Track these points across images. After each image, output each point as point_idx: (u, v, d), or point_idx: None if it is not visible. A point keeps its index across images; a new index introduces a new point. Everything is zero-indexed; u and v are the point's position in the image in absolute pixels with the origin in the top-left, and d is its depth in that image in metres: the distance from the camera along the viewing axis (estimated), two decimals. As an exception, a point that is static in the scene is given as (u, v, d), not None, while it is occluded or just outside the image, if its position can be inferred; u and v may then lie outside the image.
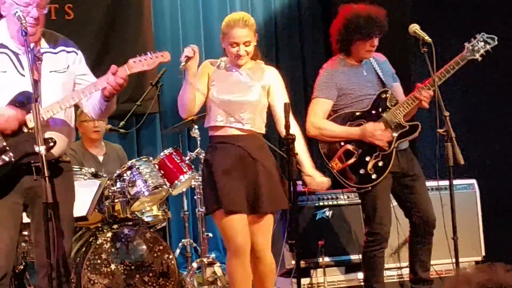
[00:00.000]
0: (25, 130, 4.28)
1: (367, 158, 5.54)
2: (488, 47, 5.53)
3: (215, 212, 4.99)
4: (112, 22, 8.26)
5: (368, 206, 5.63)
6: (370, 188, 5.58)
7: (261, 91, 5.07)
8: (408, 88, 5.81)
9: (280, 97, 5.10)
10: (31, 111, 4.22)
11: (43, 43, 4.46)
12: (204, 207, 5.23)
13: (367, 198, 5.62)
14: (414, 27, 5.33)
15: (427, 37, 5.20)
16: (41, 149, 3.98)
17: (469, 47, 5.50)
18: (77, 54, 4.58)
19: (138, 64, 4.42)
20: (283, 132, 4.85)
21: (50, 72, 4.38)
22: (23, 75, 4.33)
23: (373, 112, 5.58)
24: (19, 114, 4.27)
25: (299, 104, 8.29)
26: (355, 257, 6.70)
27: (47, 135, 4.23)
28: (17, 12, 4.21)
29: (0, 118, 4.26)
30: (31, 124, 4.25)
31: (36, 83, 4.22)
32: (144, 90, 7.41)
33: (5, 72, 4.33)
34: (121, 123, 7.05)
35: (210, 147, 5.12)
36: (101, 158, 6.98)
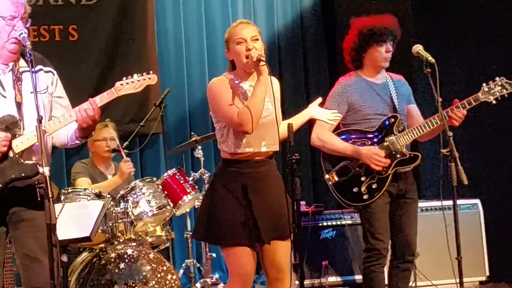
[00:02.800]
0: (11, 155, 4.18)
1: (363, 178, 5.56)
2: (504, 92, 5.49)
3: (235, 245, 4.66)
4: (116, 43, 8.28)
5: (364, 222, 5.65)
6: (360, 207, 5.61)
7: (276, 107, 4.74)
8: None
9: (279, 107, 4.84)
10: (16, 135, 4.18)
11: (22, 62, 4.34)
12: (212, 236, 4.76)
13: (363, 214, 5.65)
14: (418, 48, 5.33)
15: (430, 58, 5.19)
16: (45, 170, 3.89)
17: (485, 89, 5.47)
18: (54, 74, 4.46)
19: (125, 86, 4.36)
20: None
21: (31, 92, 4.13)
22: (5, 97, 4.24)
23: (378, 134, 5.59)
24: (8, 138, 4.16)
25: (302, 126, 8.29)
26: (359, 277, 6.70)
27: (31, 161, 4.17)
28: (22, 33, 4.13)
29: None
30: (17, 148, 4.18)
31: (19, 104, 4.19)
32: (147, 110, 7.43)
33: None
34: (125, 144, 7.06)
35: (235, 173, 4.69)
36: (110, 177, 7.00)
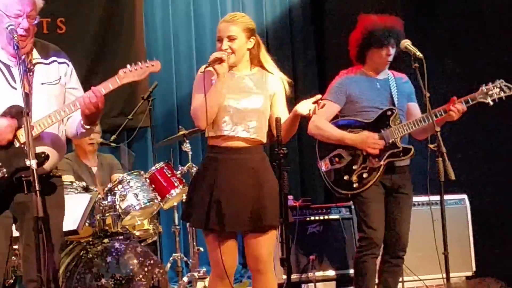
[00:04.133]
0: (17, 144, 4.22)
1: (355, 167, 5.62)
2: (502, 94, 5.55)
3: (206, 231, 4.80)
4: (104, 36, 8.28)
5: (358, 212, 5.71)
6: (350, 195, 5.66)
7: (266, 100, 4.84)
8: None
9: (282, 105, 4.93)
10: (22, 125, 4.18)
11: (35, 53, 4.38)
12: (189, 219, 4.93)
13: (356, 204, 5.71)
14: (406, 43, 5.36)
15: (418, 53, 5.22)
16: (32, 163, 3.93)
17: (483, 89, 5.54)
18: (68, 66, 4.50)
19: (128, 74, 4.36)
20: (283, 139, 4.72)
21: (42, 84, 4.29)
22: (15, 88, 4.28)
23: (374, 126, 5.65)
24: (13, 124, 4.20)
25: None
26: (346, 272, 6.72)
27: (39, 149, 4.16)
28: (9, 26, 4.17)
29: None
30: (22, 138, 4.20)
31: (27, 96, 4.18)
32: (135, 104, 7.42)
33: None
34: (113, 137, 7.05)
35: (212, 159, 4.82)
36: (94, 169, 6.98)
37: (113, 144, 7.08)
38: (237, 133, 4.76)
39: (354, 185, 5.61)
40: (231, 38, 4.76)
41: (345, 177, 5.64)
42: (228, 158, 4.77)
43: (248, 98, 4.80)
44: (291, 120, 4.81)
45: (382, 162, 5.59)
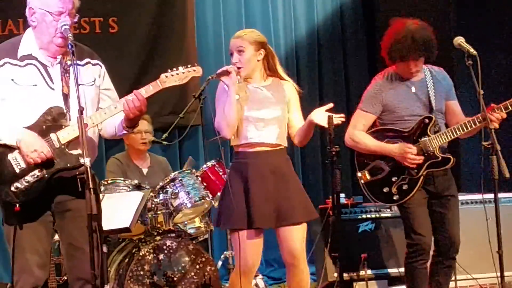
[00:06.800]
0: (57, 145, 4.22)
1: (394, 179, 5.54)
2: None
3: (234, 230, 5.14)
4: (155, 35, 8.32)
5: (404, 219, 5.63)
6: (390, 207, 5.60)
7: (284, 106, 5.22)
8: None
9: (296, 110, 5.29)
10: (62, 126, 4.22)
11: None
12: (221, 221, 5.26)
13: (401, 210, 5.64)
14: (459, 40, 5.26)
15: (472, 50, 5.14)
16: (86, 161, 3.93)
17: None
18: (101, 67, 4.51)
19: (170, 78, 4.42)
20: (300, 143, 5.26)
21: (79, 85, 4.14)
22: (53, 89, 4.28)
23: (412, 135, 5.53)
24: (47, 150, 4.17)
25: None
26: (398, 270, 6.67)
27: (75, 152, 4.20)
28: (64, 25, 4.18)
29: (28, 147, 4.16)
30: (63, 139, 4.21)
31: (66, 96, 4.24)
32: (187, 102, 7.43)
33: (36, 85, 4.26)
34: (164, 135, 7.06)
35: (241, 164, 5.19)
36: (145, 171, 7.03)
37: (164, 142, 7.11)
38: (261, 139, 5.14)
39: (394, 198, 5.54)
40: (239, 51, 5.17)
41: (385, 189, 5.57)
42: (256, 163, 5.15)
43: (268, 108, 5.17)
44: (306, 127, 5.15)
45: (421, 173, 5.49)
